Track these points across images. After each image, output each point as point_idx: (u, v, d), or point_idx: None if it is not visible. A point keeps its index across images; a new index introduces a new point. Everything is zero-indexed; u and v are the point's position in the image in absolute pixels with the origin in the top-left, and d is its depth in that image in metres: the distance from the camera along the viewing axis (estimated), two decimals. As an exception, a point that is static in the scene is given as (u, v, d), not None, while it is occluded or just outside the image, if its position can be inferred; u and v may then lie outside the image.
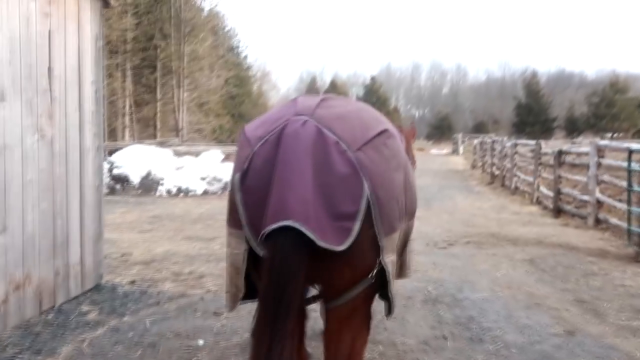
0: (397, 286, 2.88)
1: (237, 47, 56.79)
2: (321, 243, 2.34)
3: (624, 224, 10.00)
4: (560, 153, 13.87)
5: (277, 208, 2.36)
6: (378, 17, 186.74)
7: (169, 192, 16.93)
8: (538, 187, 16.03)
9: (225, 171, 18.03)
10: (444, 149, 67.02)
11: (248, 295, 2.76)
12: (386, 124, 2.91)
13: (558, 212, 13.54)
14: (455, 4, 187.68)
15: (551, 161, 15.77)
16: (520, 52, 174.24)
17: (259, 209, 2.47)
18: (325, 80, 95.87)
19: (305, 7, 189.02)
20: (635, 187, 8.51)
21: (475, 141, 35.91)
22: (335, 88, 70.67)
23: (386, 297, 2.78)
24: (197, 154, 19.15)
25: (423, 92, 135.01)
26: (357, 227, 2.45)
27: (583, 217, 12.02)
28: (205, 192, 17.17)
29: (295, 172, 2.41)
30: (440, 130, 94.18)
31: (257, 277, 2.64)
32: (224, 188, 17.54)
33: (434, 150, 65.41)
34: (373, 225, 2.53)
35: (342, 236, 2.42)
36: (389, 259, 2.66)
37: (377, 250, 2.59)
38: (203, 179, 17.58)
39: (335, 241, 2.39)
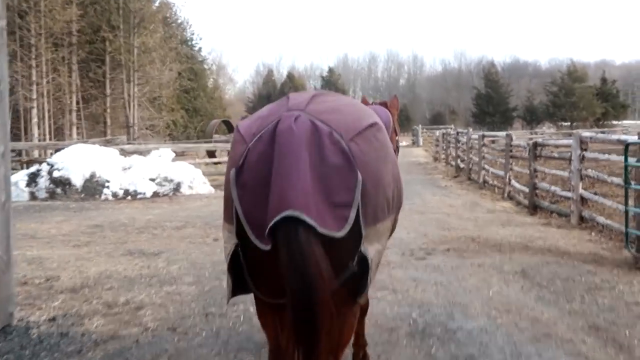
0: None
1: (191, 39, 55.12)
2: (322, 230, 2.42)
3: (614, 224, 9.16)
4: (536, 145, 12.98)
5: (278, 201, 2.42)
6: (334, 8, 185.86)
7: (115, 195, 15.56)
8: (510, 181, 15.20)
9: (177, 171, 16.76)
10: (403, 140, 66.52)
11: (240, 290, 2.85)
12: (375, 116, 3.01)
13: (534, 208, 12.68)
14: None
15: (524, 154, 14.98)
16: (475, 42, 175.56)
17: (255, 203, 2.54)
18: (282, 72, 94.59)
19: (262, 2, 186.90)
20: (634, 185, 7.58)
21: (438, 132, 35.20)
22: (292, 80, 69.51)
23: (361, 283, 2.74)
24: (146, 153, 17.80)
25: (380, 84, 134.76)
26: (353, 214, 2.54)
27: (564, 215, 11.16)
28: (156, 194, 15.87)
29: (292, 165, 2.48)
30: (399, 121, 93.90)
31: (247, 272, 2.74)
32: (175, 189, 16.27)
33: (393, 142, 64.83)
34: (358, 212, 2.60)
35: (340, 223, 2.51)
36: (373, 248, 2.72)
37: (361, 238, 2.64)
38: (152, 179, 16.27)
39: (334, 227, 2.48)
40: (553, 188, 12.20)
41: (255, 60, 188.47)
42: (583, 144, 10.46)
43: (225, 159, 19.07)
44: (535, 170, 12.94)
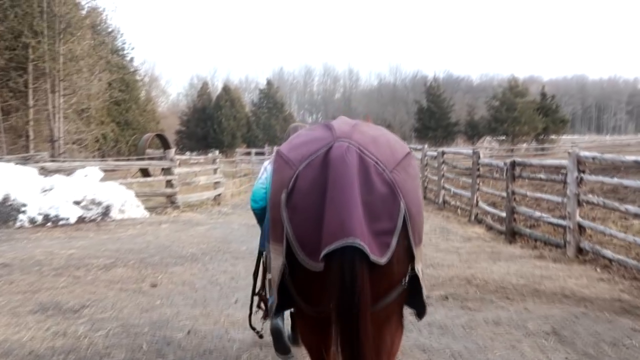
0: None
1: (122, 48, 52.44)
2: (372, 257, 2.64)
3: (629, 260, 7.83)
4: (515, 165, 11.64)
5: (337, 227, 2.62)
6: (269, 20, 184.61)
7: (32, 221, 13.39)
8: (477, 203, 13.86)
9: (106, 192, 14.70)
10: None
11: (284, 307, 3.16)
12: (405, 146, 3.17)
13: (512, 235, 11.33)
14: (344, 8, 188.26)
15: (496, 174, 13.69)
16: (410, 56, 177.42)
17: (305, 226, 2.76)
18: (216, 85, 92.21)
19: (194, 8, 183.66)
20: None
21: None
22: (228, 93, 67.34)
23: (418, 302, 3.05)
24: (70, 172, 15.65)
25: (316, 98, 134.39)
26: (394, 241, 2.74)
27: (553, 245, 9.81)
28: (81, 220, 13.78)
29: (348, 194, 2.68)
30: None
31: (293, 290, 2.96)
32: (104, 213, 14.22)
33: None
34: (407, 237, 2.81)
35: (383, 250, 2.70)
36: (420, 267, 2.97)
37: (409, 259, 2.88)
38: (77, 202, 14.17)
39: (378, 254, 2.67)
40: (539, 214, 10.86)
41: (189, 72, 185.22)
42: (581, 164, 9.13)
43: (162, 177, 17.06)
44: (513, 193, 11.60)
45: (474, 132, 52.69)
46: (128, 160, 26.11)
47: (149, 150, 31.42)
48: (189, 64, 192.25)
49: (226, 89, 69.18)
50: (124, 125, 48.86)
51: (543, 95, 49.75)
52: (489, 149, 43.24)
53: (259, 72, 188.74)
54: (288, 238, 2.81)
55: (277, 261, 2.96)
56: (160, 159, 22.34)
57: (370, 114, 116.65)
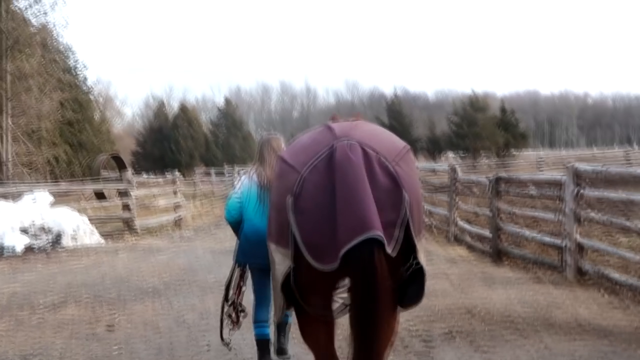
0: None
1: (75, 67, 50.74)
2: (387, 249, 2.82)
3: (636, 282, 7.13)
4: (499, 181, 10.92)
5: (357, 223, 2.73)
6: (224, 38, 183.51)
7: (-27, 252, 12.15)
8: (456, 222, 13.12)
9: (57, 218, 13.51)
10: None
11: (288, 306, 3.26)
12: (403, 141, 3.32)
13: (498, 255, 10.59)
14: (299, 24, 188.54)
15: (475, 190, 12.97)
16: (366, 73, 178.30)
17: (314, 228, 2.86)
18: (173, 105, 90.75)
19: (148, 27, 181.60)
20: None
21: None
22: (185, 113, 66.09)
23: (417, 292, 3.16)
24: (17, 196, 14.41)
25: (274, 117, 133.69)
26: (397, 232, 2.89)
27: (547, 265, 9.09)
28: (29, 250, 12.56)
29: (359, 190, 2.78)
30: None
31: (297, 289, 3.08)
32: (54, 242, 13.03)
33: (294, 176, 62.56)
34: (409, 228, 2.93)
35: (389, 241, 2.83)
36: (422, 257, 3.07)
37: (411, 250, 2.99)
38: (25, 230, 12.94)
39: (388, 246, 2.82)
40: (529, 233, 10.13)
41: (144, 92, 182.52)
42: (579, 178, 8.41)
43: (118, 201, 15.88)
44: (498, 210, 10.87)
45: (435, 148, 52.41)
46: (82, 182, 24.75)
47: (104, 172, 30.04)
48: (144, 83, 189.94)
49: (183, 109, 67.95)
50: (77, 147, 47.13)
51: (503, 110, 49.75)
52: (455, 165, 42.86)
53: (216, 91, 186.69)
54: (296, 241, 2.89)
55: (282, 265, 3.04)
56: (116, 180, 21.15)
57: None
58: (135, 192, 15.96)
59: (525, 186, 10.46)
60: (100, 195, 25.18)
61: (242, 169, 35.70)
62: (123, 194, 15.96)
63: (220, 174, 43.71)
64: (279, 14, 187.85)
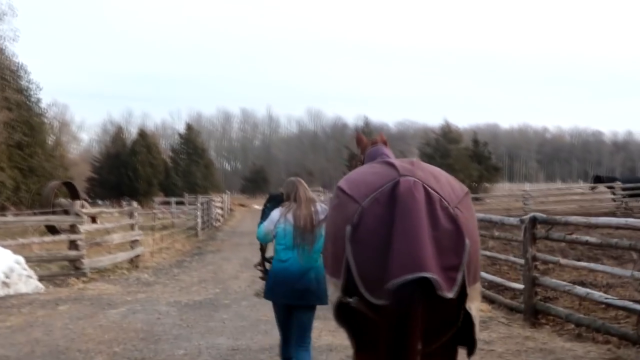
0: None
1: (28, 88, 47.81)
2: (440, 292, 2.74)
3: None
4: (534, 222, 8.90)
5: (409, 260, 2.73)
6: (184, 63, 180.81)
7: None
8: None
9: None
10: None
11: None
12: (462, 185, 3.26)
13: (534, 314, 8.56)
14: (260, 52, 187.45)
15: (496, 232, 10.99)
16: (328, 102, 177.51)
17: (369, 260, 2.85)
18: (131, 131, 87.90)
19: (106, 52, 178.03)
20: None
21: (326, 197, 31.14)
22: (144, 138, 63.39)
23: (469, 339, 3.06)
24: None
25: (235, 144, 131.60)
26: (460, 277, 2.84)
27: (610, 333, 7.06)
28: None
29: (418, 227, 2.78)
30: (256, 183, 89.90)
31: (353, 324, 3.10)
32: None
33: (256, 206, 60.14)
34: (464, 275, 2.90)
35: (450, 284, 2.80)
36: (474, 305, 3.00)
37: (463, 297, 2.92)
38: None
39: (446, 289, 2.78)
40: (590, 292, 8.08)
41: (102, 117, 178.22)
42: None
43: (78, 236, 13.17)
44: (534, 259, 8.85)
45: (406, 180, 50.74)
46: (21, 214, 22.07)
47: (63, 201, 27.09)
48: (102, 109, 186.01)
49: (142, 134, 65.23)
50: (27, 172, 44.09)
51: (475, 142, 48.47)
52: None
53: (176, 118, 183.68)
54: (350, 272, 2.91)
55: (332, 296, 3.09)
56: (67, 213, 18.62)
57: (291, 161, 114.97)
58: (85, 227, 13.50)
59: (574, 230, 8.47)
60: (52, 229, 22.50)
61: (207, 199, 33.41)
62: (71, 229, 13.43)
63: (180, 203, 40.97)
64: (241, 41, 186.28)
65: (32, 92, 48.44)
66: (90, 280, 12.74)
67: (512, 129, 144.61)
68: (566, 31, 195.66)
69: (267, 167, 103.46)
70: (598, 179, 35.35)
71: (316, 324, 7.80)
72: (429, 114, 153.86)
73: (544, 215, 9.04)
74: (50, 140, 53.77)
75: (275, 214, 5.22)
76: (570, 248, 13.65)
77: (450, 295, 2.78)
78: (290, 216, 5.10)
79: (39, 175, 44.36)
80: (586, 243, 8.13)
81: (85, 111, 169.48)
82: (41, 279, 12.07)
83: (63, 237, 13.77)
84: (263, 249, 5.69)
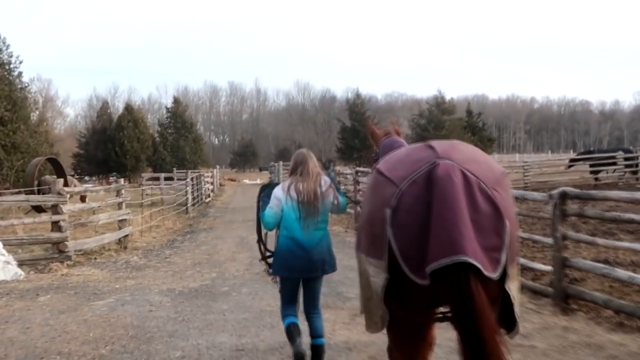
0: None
1: (9, 62, 46.25)
2: (485, 273, 2.78)
3: None
4: (565, 197, 8.03)
5: (447, 244, 2.75)
6: (171, 36, 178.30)
7: None
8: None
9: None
10: (258, 178, 61.13)
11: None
12: (500, 165, 3.34)
13: (565, 299, 7.75)
14: (248, 23, 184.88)
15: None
16: (317, 75, 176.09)
17: (410, 242, 2.89)
18: (117, 106, 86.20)
19: (91, 24, 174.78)
20: None
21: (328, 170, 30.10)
22: (131, 113, 61.90)
23: (510, 318, 3.10)
24: None
25: (223, 118, 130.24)
26: (504, 257, 2.89)
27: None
28: None
29: (457, 212, 2.79)
30: (245, 157, 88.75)
31: (391, 303, 3.12)
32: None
33: (247, 181, 59.11)
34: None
35: (494, 265, 2.85)
36: (514, 285, 3.05)
37: (505, 278, 2.96)
38: None
39: (490, 270, 2.82)
40: (623, 273, 7.25)
41: (87, 92, 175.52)
42: None
43: (60, 217, 12.15)
44: (564, 238, 8.00)
45: (398, 152, 49.69)
46: (4, 193, 21.00)
47: (49, 178, 25.95)
48: (88, 83, 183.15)
49: (129, 109, 63.69)
50: (10, 149, 42.85)
51: (469, 112, 47.42)
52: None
53: (162, 92, 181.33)
54: (393, 253, 2.94)
55: (377, 277, 3.08)
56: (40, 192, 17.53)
57: (280, 134, 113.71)
58: (68, 207, 12.51)
59: (611, 205, 7.59)
60: (38, 208, 21.47)
61: (197, 174, 32.31)
62: (53, 209, 12.43)
63: (169, 179, 39.87)
64: (228, 13, 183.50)
65: (12, 67, 47.01)
66: (75, 264, 11.81)
67: (500, 100, 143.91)
68: (554, 1, 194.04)
69: (256, 141, 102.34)
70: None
71: (327, 315, 6.97)
72: (417, 85, 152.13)
73: (576, 190, 8.16)
74: (34, 115, 52.34)
75: (279, 192, 5.19)
76: (582, 222, 12.85)
77: (494, 275, 2.82)
78: (293, 191, 5.12)
79: (22, 152, 43.11)
80: (631, 221, 7.25)
81: (71, 86, 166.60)
82: (22, 263, 11.15)
83: (45, 217, 12.76)
84: (263, 241, 5.59)
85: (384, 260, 2.98)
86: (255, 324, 7.01)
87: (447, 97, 52.53)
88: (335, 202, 5.25)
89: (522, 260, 9.28)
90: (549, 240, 8.39)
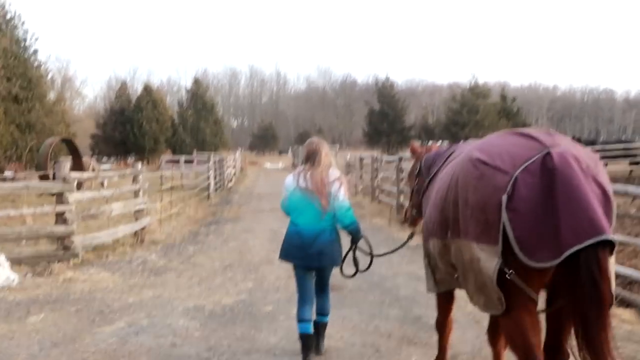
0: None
1: (24, 39, 44.56)
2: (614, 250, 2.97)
3: None
4: None
5: (586, 225, 2.82)
6: (192, 19, 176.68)
7: None
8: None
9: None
10: (279, 162, 59.29)
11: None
12: (591, 150, 3.37)
13: None
14: (269, 7, 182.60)
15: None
16: (338, 59, 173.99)
17: (526, 227, 2.95)
18: (136, 87, 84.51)
19: (112, 5, 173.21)
20: None
21: (348, 157, 28.15)
22: (150, 94, 60.06)
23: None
24: None
25: (242, 101, 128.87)
26: (614, 237, 2.94)
27: None
28: None
29: (585, 195, 2.87)
30: (264, 140, 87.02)
31: (504, 286, 3.12)
32: None
33: (269, 164, 57.27)
34: None
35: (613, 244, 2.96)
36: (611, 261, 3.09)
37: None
38: None
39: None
40: None
41: (107, 73, 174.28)
42: None
43: (66, 207, 10.14)
44: None
45: (428, 137, 47.39)
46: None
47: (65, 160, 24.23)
48: (107, 64, 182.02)
49: (147, 90, 61.80)
50: (25, 128, 41.29)
51: (503, 97, 45.00)
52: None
53: (182, 74, 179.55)
54: (508, 239, 2.99)
55: (489, 262, 3.11)
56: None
57: (300, 117, 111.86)
58: (75, 196, 10.57)
59: None
60: (44, 177, 19.91)
61: (220, 157, 30.35)
62: (57, 197, 10.49)
63: (189, 162, 38.09)
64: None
65: (28, 44, 45.32)
66: (82, 264, 9.89)
67: (522, 87, 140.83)
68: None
69: (276, 123, 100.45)
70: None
71: (415, 358, 5.01)
72: (437, 72, 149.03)
73: None
74: (52, 95, 50.77)
75: (289, 181, 5.25)
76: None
77: (613, 253, 2.96)
78: (302, 180, 5.13)
79: (37, 132, 41.48)
80: None
81: (90, 67, 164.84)
82: (20, 262, 9.26)
83: (47, 208, 10.80)
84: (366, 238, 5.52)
85: (498, 245, 3.04)
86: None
87: (468, 85, 50.49)
88: (338, 197, 5.01)
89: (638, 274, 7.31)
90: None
